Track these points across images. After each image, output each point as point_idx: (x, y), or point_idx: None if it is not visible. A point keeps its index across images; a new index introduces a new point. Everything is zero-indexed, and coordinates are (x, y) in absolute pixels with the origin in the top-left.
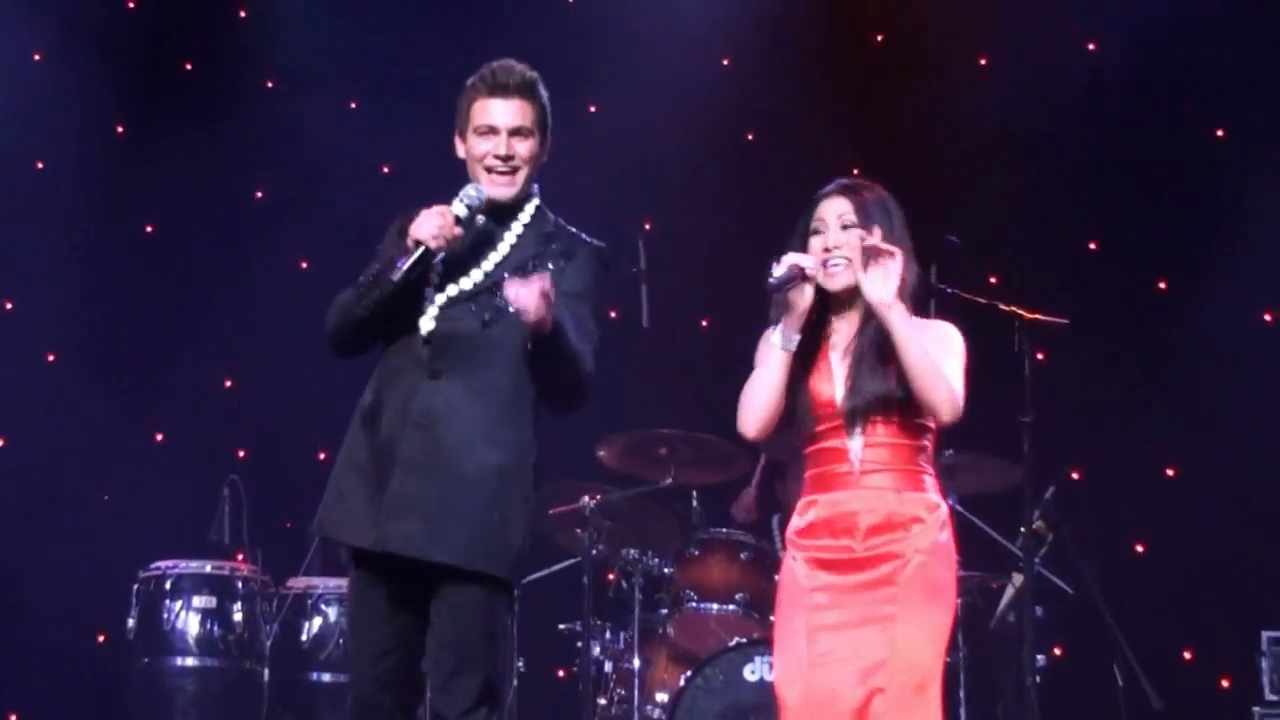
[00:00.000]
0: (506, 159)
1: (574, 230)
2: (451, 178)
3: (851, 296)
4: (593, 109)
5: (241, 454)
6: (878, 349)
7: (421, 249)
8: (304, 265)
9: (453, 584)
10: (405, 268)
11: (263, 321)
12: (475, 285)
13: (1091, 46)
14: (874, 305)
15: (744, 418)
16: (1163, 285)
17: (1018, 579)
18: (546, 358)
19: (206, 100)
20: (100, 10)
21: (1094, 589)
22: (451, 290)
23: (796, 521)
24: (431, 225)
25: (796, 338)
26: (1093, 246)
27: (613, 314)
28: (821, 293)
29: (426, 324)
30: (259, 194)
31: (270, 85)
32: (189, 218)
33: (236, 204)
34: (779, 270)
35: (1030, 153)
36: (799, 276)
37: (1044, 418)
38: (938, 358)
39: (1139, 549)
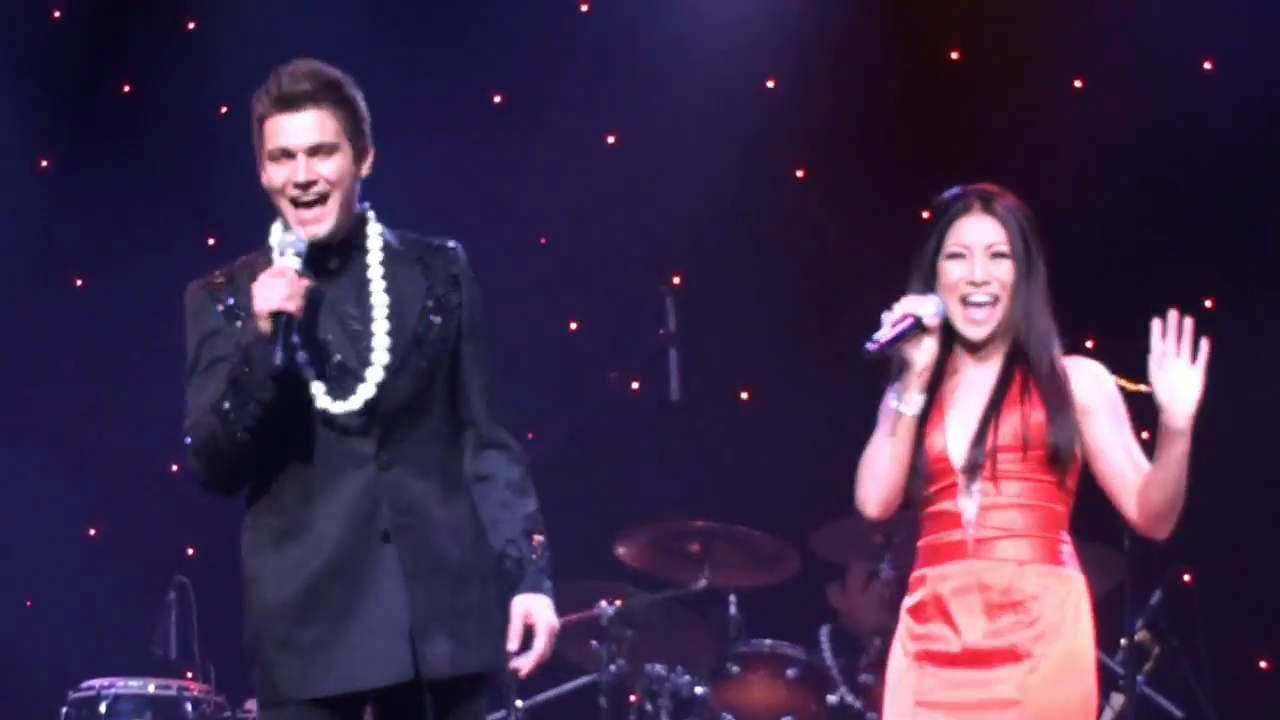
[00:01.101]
0: (307, 186)
1: (421, 239)
2: (444, 223)
3: (990, 339)
4: (610, 140)
5: (190, 551)
6: (1019, 394)
7: (283, 321)
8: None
9: (464, 687)
10: (281, 349)
11: None
12: (393, 353)
13: (1208, 66)
14: (1172, 427)
15: (863, 494)
16: None
17: (1117, 700)
18: None
19: (148, 128)
20: (17, 21)
21: (1209, 712)
22: (377, 375)
23: (907, 600)
24: (281, 289)
25: (920, 398)
26: (1208, 304)
27: (635, 385)
28: (947, 332)
29: (350, 407)
30: (211, 241)
31: (225, 111)
32: (127, 269)
33: (185, 253)
34: (883, 332)
35: (1135, 190)
36: (911, 331)
37: None
38: (1119, 427)
39: (1262, 665)
